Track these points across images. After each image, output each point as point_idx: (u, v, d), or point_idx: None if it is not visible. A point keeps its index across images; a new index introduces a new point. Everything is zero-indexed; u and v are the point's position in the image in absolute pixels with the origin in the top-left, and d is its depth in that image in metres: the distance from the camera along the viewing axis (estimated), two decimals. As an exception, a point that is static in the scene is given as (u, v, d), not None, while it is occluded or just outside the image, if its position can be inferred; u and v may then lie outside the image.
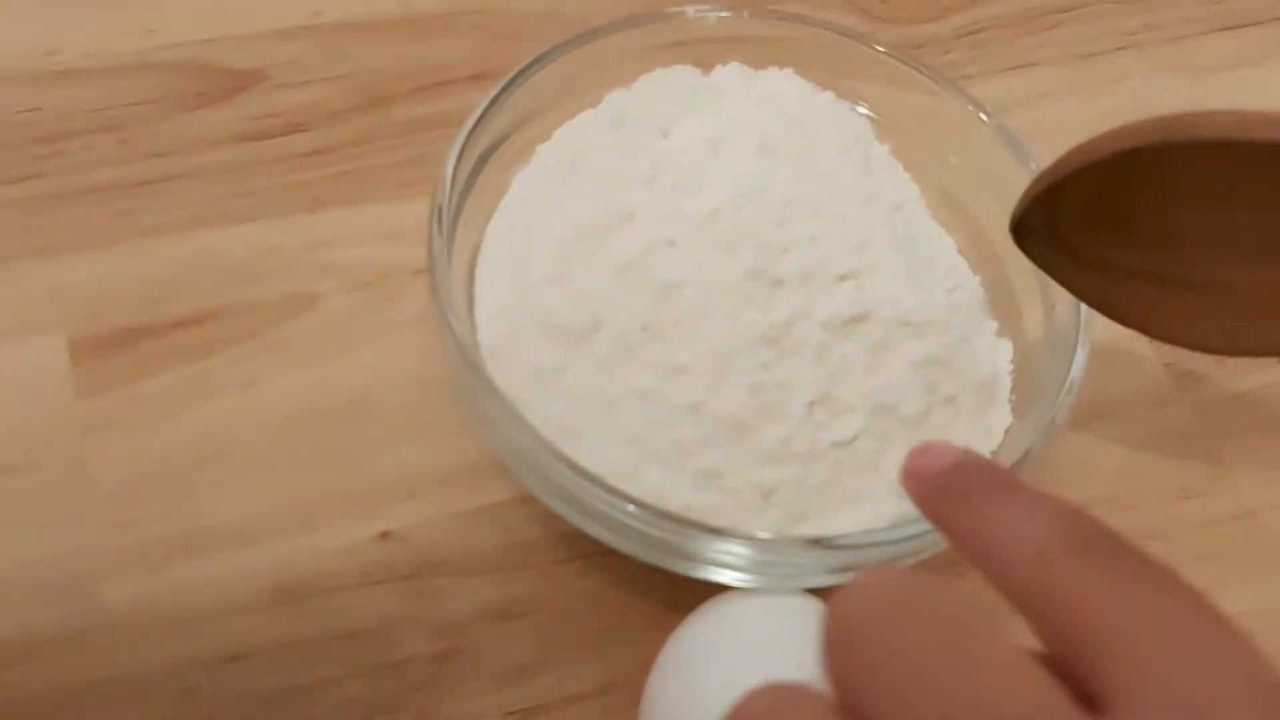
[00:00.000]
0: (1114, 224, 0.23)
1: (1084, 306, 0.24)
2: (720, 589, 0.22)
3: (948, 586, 0.15)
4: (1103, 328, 0.26)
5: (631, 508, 0.22)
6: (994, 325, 0.26)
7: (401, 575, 0.25)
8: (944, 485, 0.17)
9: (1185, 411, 0.30)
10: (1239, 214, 0.23)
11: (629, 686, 0.23)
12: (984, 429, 0.24)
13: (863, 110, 0.28)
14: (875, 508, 0.22)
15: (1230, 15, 0.38)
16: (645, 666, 0.22)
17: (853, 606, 0.15)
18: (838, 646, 0.15)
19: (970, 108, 0.28)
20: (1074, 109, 0.35)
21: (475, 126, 0.25)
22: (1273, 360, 0.31)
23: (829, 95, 0.27)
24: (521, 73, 0.26)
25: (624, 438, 0.23)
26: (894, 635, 0.14)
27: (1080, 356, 0.24)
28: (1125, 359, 0.30)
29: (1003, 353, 0.25)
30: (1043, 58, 0.36)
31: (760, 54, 0.27)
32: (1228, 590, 0.27)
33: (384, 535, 0.25)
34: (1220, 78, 0.36)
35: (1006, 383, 0.25)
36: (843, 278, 0.23)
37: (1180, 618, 0.14)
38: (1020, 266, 0.26)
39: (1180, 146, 0.22)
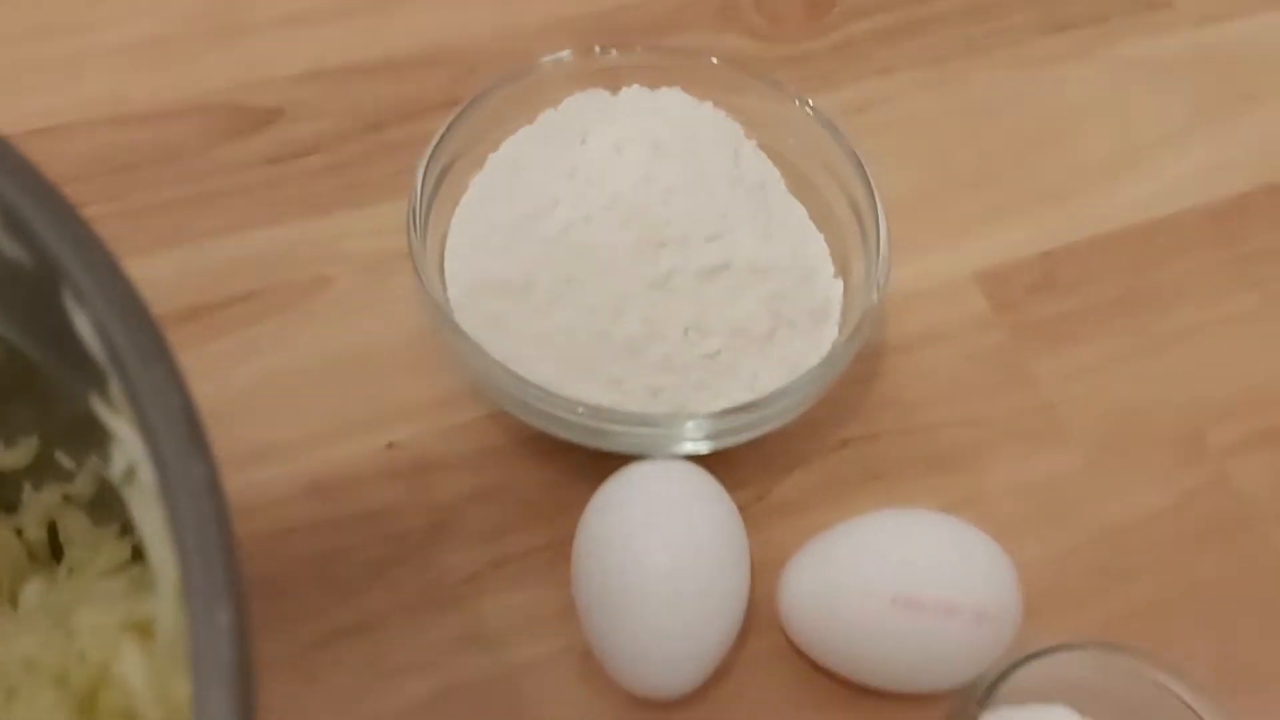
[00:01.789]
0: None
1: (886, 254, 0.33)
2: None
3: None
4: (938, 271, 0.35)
5: (580, 409, 0.30)
6: (831, 269, 0.35)
7: (403, 472, 0.34)
8: None
9: (1002, 333, 0.38)
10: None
11: (570, 541, 0.32)
12: (816, 342, 0.33)
13: (734, 117, 0.36)
14: (733, 399, 0.31)
15: (1058, 19, 0.46)
16: (578, 522, 0.31)
17: None
18: None
19: (803, 108, 0.36)
20: (926, 105, 0.44)
21: (438, 144, 0.34)
22: (1071, 290, 0.40)
23: (708, 105, 0.36)
24: (473, 102, 0.35)
25: (556, 359, 0.32)
26: None
27: (882, 282, 0.33)
28: (957, 295, 0.39)
29: (835, 289, 0.34)
30: (900, 64, 0.44)
31: (655, 78, 0.36)
32: (1032, 460, 0.37)
33: (390, 445, 0.34)
34: (1045, 73, 0.45)
35: (837, 310, 0.34)
36: (710, 239, 0.32)
37: None
38: (850, 230, 0.35)
39: None
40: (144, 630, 0.20)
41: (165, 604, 0.19)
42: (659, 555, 0.29)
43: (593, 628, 0.30)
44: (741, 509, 0.31)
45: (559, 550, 0.32)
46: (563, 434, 0.32)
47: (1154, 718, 0.29)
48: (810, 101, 0.36)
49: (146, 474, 0.18)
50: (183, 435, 0.15)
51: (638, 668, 0.30)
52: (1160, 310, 0.39)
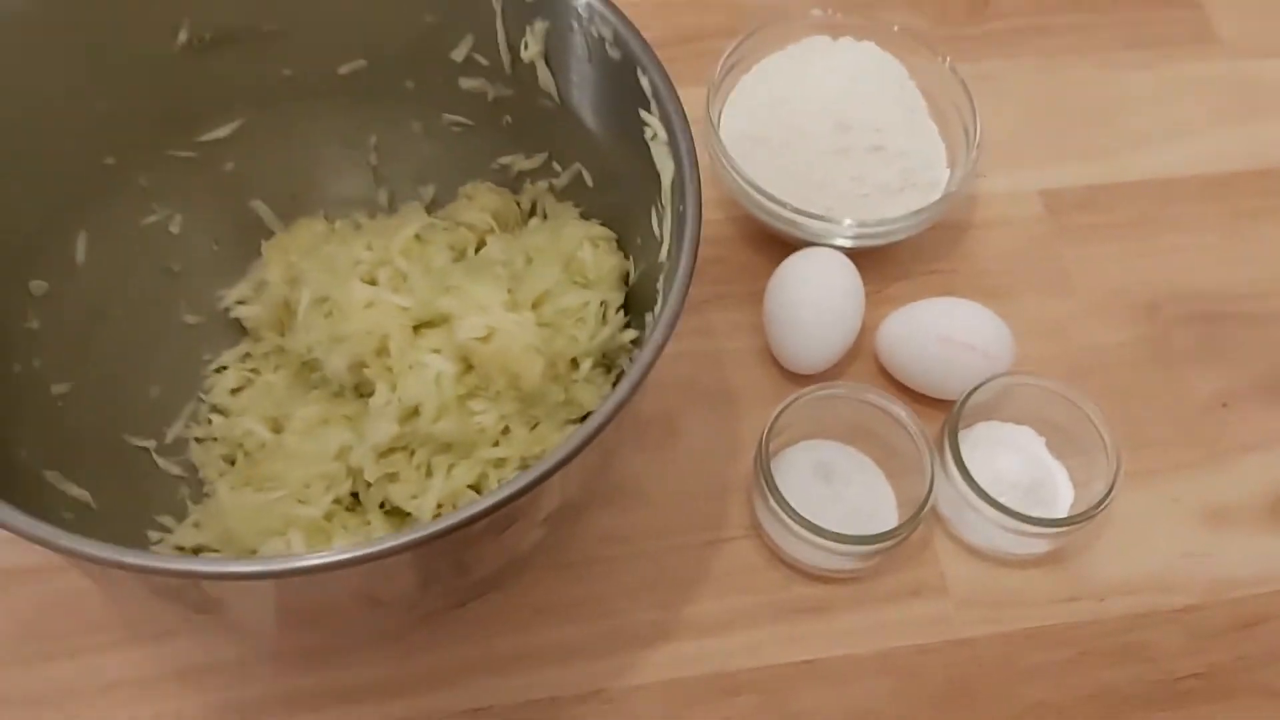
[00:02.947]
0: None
1: (976, 158, 0.56)
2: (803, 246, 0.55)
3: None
4: (1014, 184, 0.59)
5: (786, 207, 0.54)
6: (944, 162, 0.58)
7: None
8: None
9: (1049, 229, 0.61)
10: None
11: (763, 289, 0.56)
12: (926, 198, 0.56)
13: (903, 64, 0.60)
14: (877, 209, 0.55)
15: (1136, 40, 0.68)
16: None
17: None
18: None
19: (946, 65, 0.59)
20: (1031, 81, 0.66)
21: (726, 57, 0.58)
22: (1101, 211, 0.62)
23: (889, 55, 0.59)
24: (748, 34, 0.59)
25: (775, 183, 0.56)
26: None
27: (970, 172, 0.56)
28: (1023, 201, 0.62)
29: (944, 174, 0.57)
30: (1020, 53, 0.66)
31: (860, 33, 0.60)
32: (1046, 301, 0.60)
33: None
34: (1117, 74, 0.67)
35: (943, 185, 0.57)
36: (875, 130, 0.56)
37: None
38: (959, 141, 0.58)
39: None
40: (593, 242, 0.46)
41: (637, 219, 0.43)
42: (813, 300, 0.53)
43: (772, 332, 0.54)
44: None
45: (758, 293, 0.57)
46: (771, 224, 0.56)
47: (1077, 432, 0.52)
48: (949, 60, 0.59)
49: (662, 137, 0.40)
50: (680, 129, 0.39)
51: (795, 354, 0.54)
52: (1156, 233, 0.61)
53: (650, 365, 0.33)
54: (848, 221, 0.54)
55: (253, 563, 0.31)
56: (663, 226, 0.41)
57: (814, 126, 0.56)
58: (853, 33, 0.60)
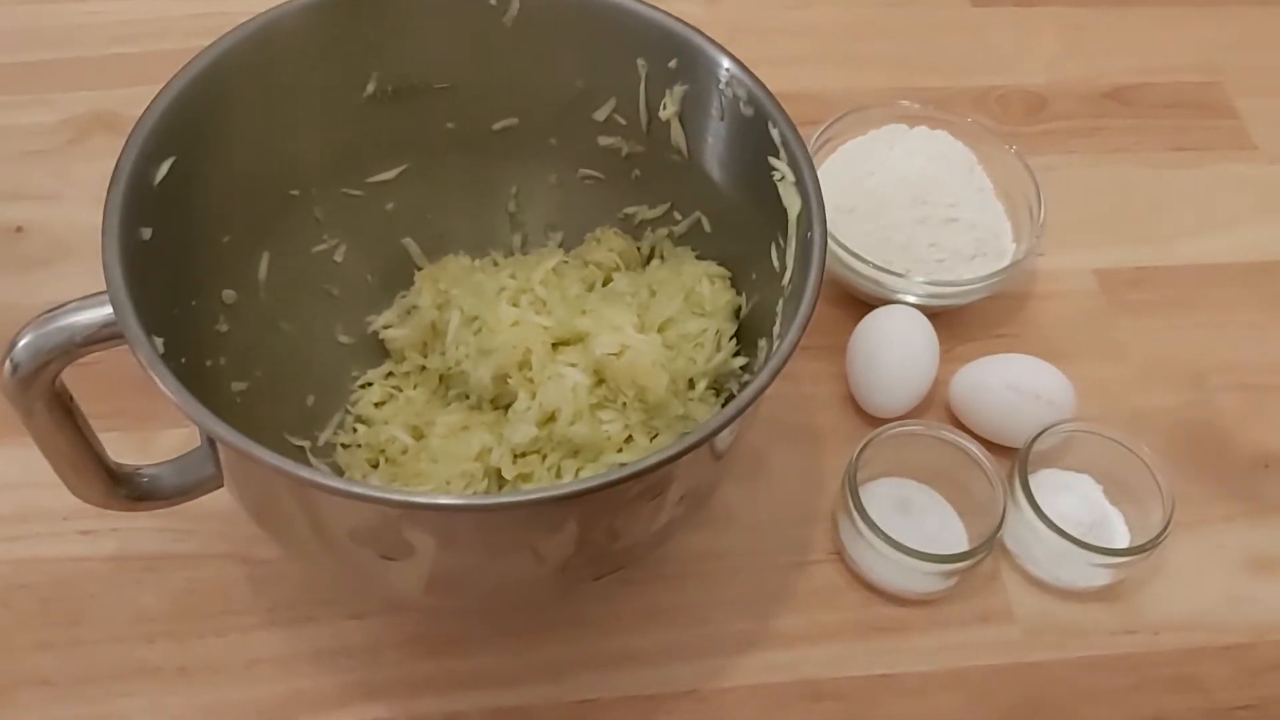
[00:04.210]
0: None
1: (1040, 236, 0.63)
2: (883, 304, 0.61)
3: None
4: (1071, 261, 0.65)
5: (869, 267, 0.61)
6: (1011, 236, 0.64)
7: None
8: None
9: (1102, 303, 0.67)
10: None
11: (845, 343, 0.62)
12: (996, 266, 0.62)
13: (974, 152, 0.67)
14: (951, 272, 0.61)
15: (1182, 143, 0.75)
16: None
17: None
18: None
19: (1012, 153, 0.66)
20: (1087, 174, 0.73)
21: (815, 139, 0.65)
22: (1148, 290, 0.68)
23: (960, 143, 0.66)
24: (834, 120, 0.66)
25: (862, 248, 0.62)
26: None
27: (1035, 248, 0.63)
28: (1079, 277, 0.68)
29: (1011, 247, 0.64)
30: (1078, 149, 0.74)
31: (935, 124, 0.67)
32: (1100, 365, 0.67)
33: (758, 283, 0.66)
34: (1164, 172, 0.74)
35: (1010, 257, 0.63)
36: (950, 205, 0.63)
37: None
38: (1025, 222, 0.64)
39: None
40: (710, 279, 0.52)
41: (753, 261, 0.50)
42: (893, 348, 0.59)
43: (854, 377, 0.60)
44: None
45: (839, 346, 0.63)
46: (856, 282, 0.62)
47: (1132, 482, 0.57)
48: (1015, 148, 0.66)
49: (790, 179, 0.46)
50: (807, 171, 0.45)
51: (876, 398, 0.60)
52: (1201, 311, 0.67)
53: (792, 349, 0.39)
54: (925, 280, 0.61)
55: (468, 497, 0.37)
56: (785, 257, 0.47)
57: (895, 198, 0.63)
58: (926, 123, 0.67)
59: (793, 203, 0.46)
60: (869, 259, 0.61)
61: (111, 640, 0.52)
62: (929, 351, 0.60)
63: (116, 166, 0.43)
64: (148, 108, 0.44)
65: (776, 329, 0.47)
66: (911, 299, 0.62)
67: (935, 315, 0.62)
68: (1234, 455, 0.62)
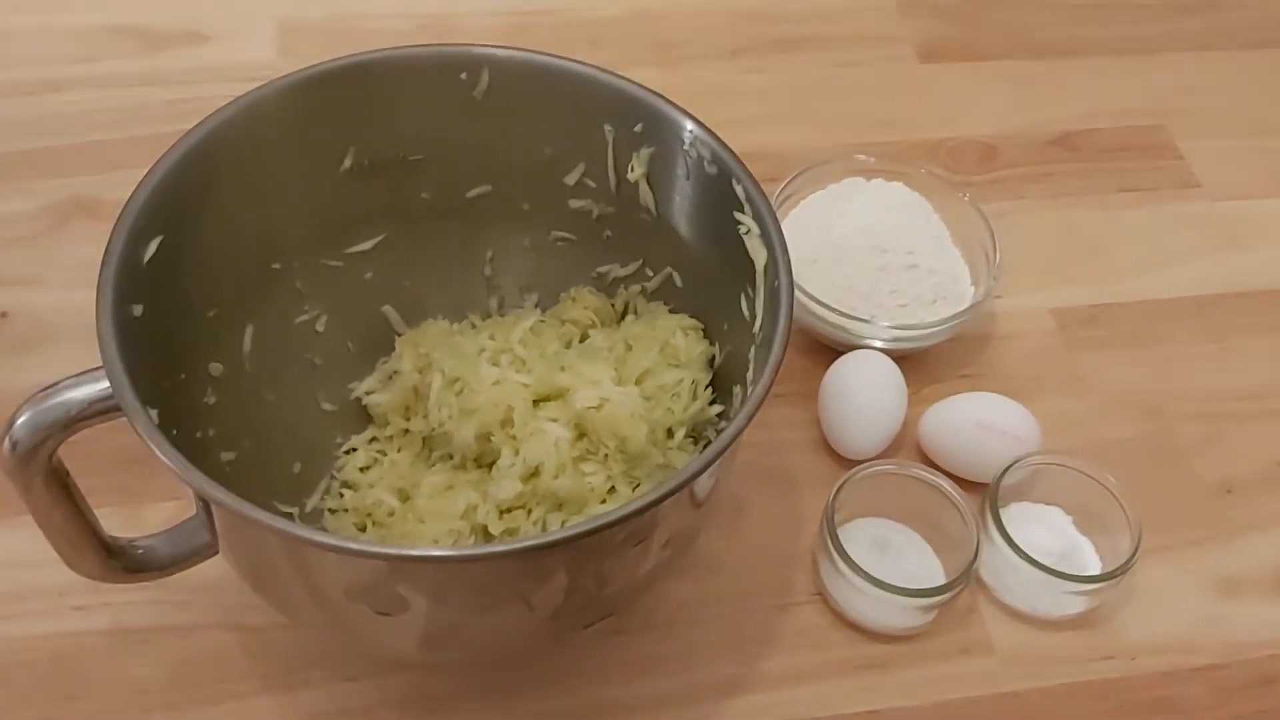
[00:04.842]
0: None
1: (996, 278, 0.66)
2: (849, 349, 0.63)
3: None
4: (1027, 302, 0.68)
5: (831, 314, 0.63)
6: (969, 280, 0.67)
7: (735, 348, 0.67)
8: None
9: (1059, 341, 0.69)
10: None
11: (817, 388, 0.64)
12: (956, 309, 0.65)
13: (929, 201, 0.69)
14: (914, 316, 0.64)
15: (1127, 185, 0.78)
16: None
17: None
18: None
19: (965, 201, 0.69)
20: (1037, 218, 0.76)
21: (777, 194, 0.68)
22: (1102, 327, 0.70)
23: (916, 194, 0.69)
24: (795, 175, 0.69)
25: (824, 296, 0.65)
26: None
27: (992, 290, 0.65)
28: (1036, 317, 0.71)
29: (969, 290, 0.66)
30: (1027, 195, 0.77)
31: (891, 176, 0.70)
32: (1060, 401, 0.70)
33: (729, 335, 0.68)
34: (1111, 213, 0.77)
35: (969, 299, 0.66)
36: (908, 253, 0.65)
37: None
38: (981, 265, 0.67)
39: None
40: (684, 331, 0.54)
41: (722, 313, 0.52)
42: (862, 391, 0.61)
43: (827, 421, 0.62)
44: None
45: (810, 392, 0.65)
46: (823, 329, 0.64)
47: (1100, 511, 0.59)
48: (968, 196, 0.69)
49: (755, 231, 0.48)
50: (771, 223, 0.48)
51: (849, 440, 0.61)
52: (1154, 344, 0.70)
53: (765, 392, 0.41)
54: (889, 324, 0.63)
55: (462, 549, 0.38)
56: (754, 306, 0.49)
57: (856, 248, 0.66)
58: (883, 175, 0.70)
59: (759, 254, 0.48)
60: (835, 306, 0.63)
61: (109, 713, 0.53)
62: (897, 393, 0.62)
63: (108, 247, 0.44)
64: (136, 188, 0.46)
65: (750, 375, 0.49)
66: (878, 343, 0.64)
67: (901, 358, 0.64)
68: (1196, 481, 0.64)
